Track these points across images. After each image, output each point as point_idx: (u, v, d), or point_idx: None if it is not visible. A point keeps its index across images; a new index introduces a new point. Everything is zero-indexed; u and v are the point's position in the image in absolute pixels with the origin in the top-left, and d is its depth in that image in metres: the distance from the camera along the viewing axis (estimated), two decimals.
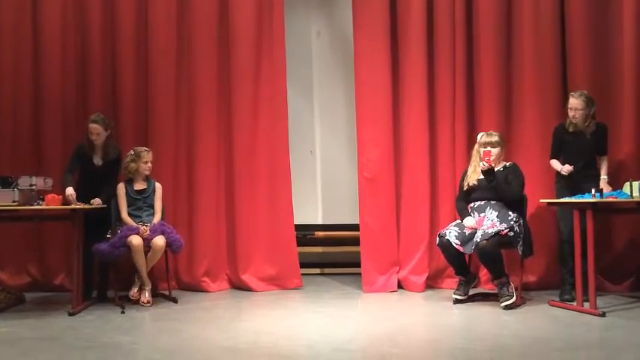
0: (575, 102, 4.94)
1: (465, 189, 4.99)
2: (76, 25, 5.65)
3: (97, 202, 4.96)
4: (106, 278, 5.21)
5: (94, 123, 5.07)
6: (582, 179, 4.90)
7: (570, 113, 4.97)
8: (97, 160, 5.15)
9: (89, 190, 5.01)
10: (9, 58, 5.58)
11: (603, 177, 4.91)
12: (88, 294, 5.06)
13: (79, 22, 5.65)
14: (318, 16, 6.85)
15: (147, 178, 5.22)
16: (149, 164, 5.18)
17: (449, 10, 5.58)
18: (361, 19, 5.64)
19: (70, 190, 4.87)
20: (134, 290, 5.01)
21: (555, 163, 5.06)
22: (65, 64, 5.61)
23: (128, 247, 4.84)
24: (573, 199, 4.63)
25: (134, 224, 4.99)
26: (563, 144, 5.06)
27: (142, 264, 4.91)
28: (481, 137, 5.00)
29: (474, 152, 5.03)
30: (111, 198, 5.11)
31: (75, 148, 5.17)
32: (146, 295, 4.95)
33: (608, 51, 5.48)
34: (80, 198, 4.87)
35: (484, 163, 4.78)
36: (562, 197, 4.81)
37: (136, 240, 4.84)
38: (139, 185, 5.18)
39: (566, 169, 4.91)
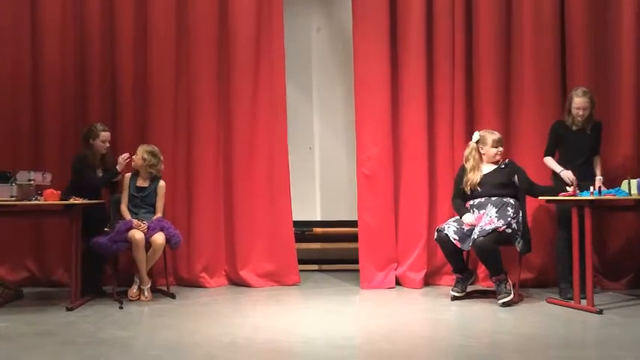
0: (581, 101, 4.94)
1: (467, 191, 4.93)
2: (75, 21, 5.62)
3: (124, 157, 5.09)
4: (100, 273, 5.18)
5: (107, 132, 5.09)
6: (581, 177, 4.90)
7: (578, 112, 4.95)
8: (99, 172, 5.12)
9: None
10: (8, 52, 5.57)
11: (599, 177, 4.90)
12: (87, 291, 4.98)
13: (78, 19, 5.63)
14: (318, 12, 6.84)
15: (152, 177, 5.16)
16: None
17: (449, 8, 5.57)
18: (361, 17, 5.63)
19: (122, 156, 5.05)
20: (133, 290, 4.95)
21: (552, 163, 5.05)
22: (64, 59, 5.59)
23: (127, 242, 4.84)
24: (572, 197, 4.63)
25: (128, 218, 4.99)
26: (563, 142, 5.05)
27: (142, 260, 4.89)
28: (484, 135, 4.97)
29: (473, 151, 5.00)
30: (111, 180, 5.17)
31: (81, 163, 5.00)
32: (145, 294, 4.94)
33: (608, 50, 5.46)
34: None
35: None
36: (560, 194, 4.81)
37: (138, 235, 4.83)
38: (141, 182, 5.15)
39: (569, 177, 4.84)
